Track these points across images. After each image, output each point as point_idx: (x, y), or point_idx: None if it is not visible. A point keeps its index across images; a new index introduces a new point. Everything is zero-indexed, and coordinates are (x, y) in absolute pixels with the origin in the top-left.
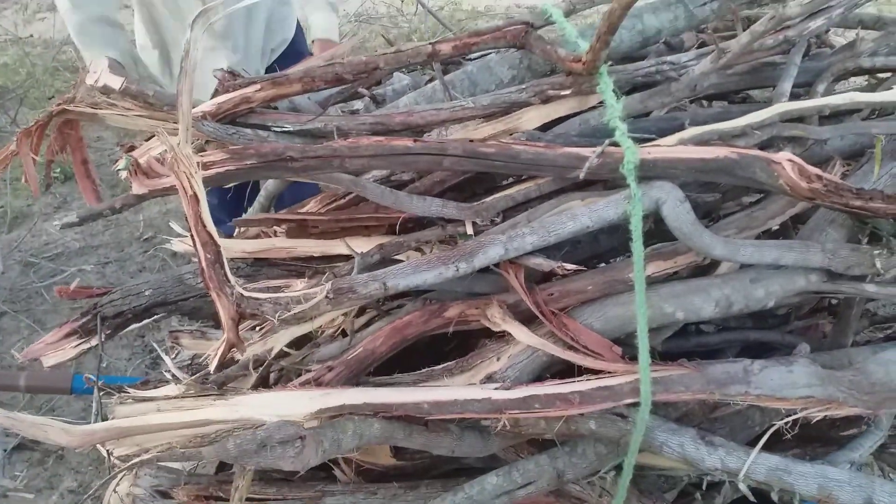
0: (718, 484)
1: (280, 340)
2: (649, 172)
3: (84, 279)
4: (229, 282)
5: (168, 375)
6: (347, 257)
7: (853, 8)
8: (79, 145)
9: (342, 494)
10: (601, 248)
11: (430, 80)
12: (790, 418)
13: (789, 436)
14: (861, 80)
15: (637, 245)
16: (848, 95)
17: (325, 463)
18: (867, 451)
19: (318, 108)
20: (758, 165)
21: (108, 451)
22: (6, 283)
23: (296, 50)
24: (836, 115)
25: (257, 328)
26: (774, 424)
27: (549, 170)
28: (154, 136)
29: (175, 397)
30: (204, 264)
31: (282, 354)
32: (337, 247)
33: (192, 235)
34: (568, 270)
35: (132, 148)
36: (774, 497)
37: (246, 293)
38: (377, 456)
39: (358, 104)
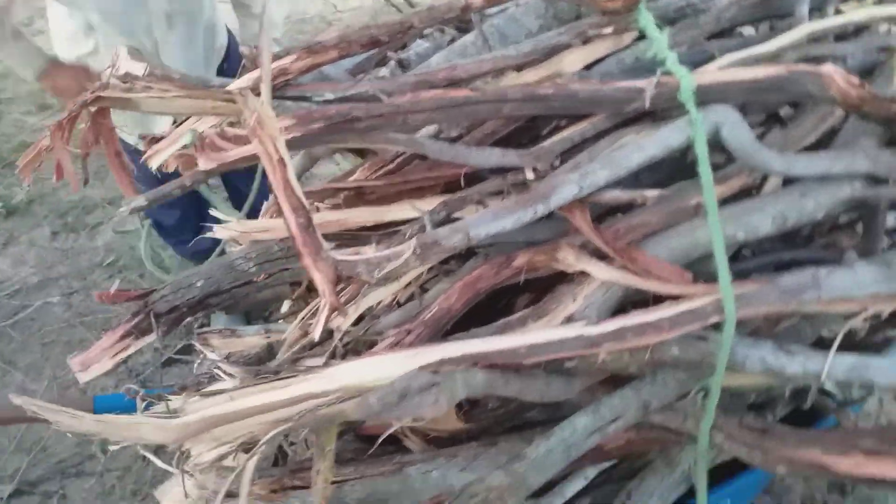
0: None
1: (368, 303)
2: (704, 98)
3: (49, 312)
4: (323, 246)
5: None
6: (400, 223)
7: None
8: (111, 136)
9: (422, 462)
10: (642, 185)
11: (451, 41)
12: (859, 317)
13: (863, 335)
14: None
15: (704, 167)
16: (865, 11)
17: (392, 436)
18: None
19: (350, 77)
20: (808, 79)
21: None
22: None
23: (236, 51)
24: (849, 34)
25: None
26: (844, 327)
27: (607, 105)
28: (182, 122)
29: (248, 385)
30: (296, 230)
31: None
32: (389, 213)
33: (278, 202)
34: (647, 198)
35: (154, 139)
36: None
37: (340, 256)
38: (444, 422)
39: (383, 72)
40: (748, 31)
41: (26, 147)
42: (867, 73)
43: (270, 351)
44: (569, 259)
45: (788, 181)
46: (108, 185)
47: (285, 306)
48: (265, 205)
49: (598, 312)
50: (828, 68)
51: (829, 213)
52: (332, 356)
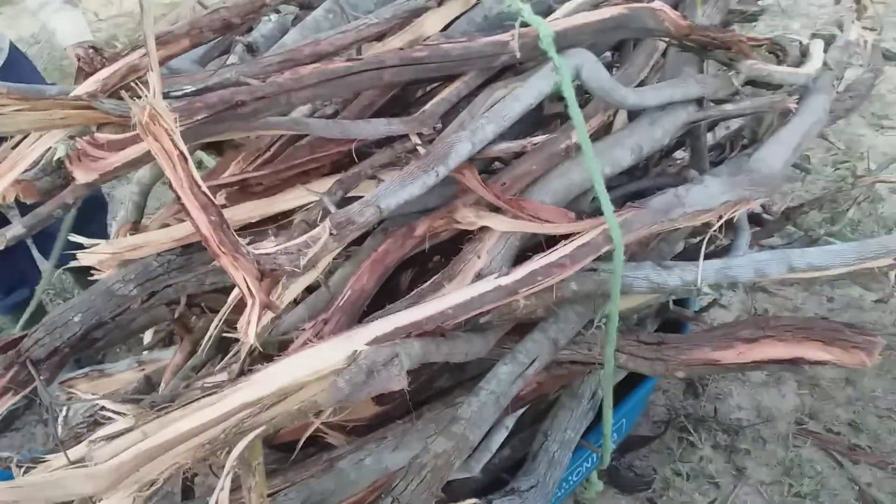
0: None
1: (290, 295)
2: (562, 43)
3: None
4: (241, 242)
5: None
6: (289, 213)
7: None
8: None
9: (351, 453)
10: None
11: (296, 20)
12: (717, 224)
13: (722, 239)
14: None
15: (574, 108)
16: None
17: (312, 437)
18: (745, 249)
19: (199, 68)
20: (647, 15)
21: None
22: None
23: (14, 62)
24: None
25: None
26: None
27: (477, 61)
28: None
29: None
30: (208, 230)
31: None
32: (276, 205)
33: (182, 202)
34: (536, 144)
35: None
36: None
37: (258, 251)
38: (360, 410)
39: (232, 59)
40: None
41: None
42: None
43: (149, 383)
44: (469, 217)
45: (634, 115)
46: None
47: (148, 336)
48: (115, 224)
49: (502, 263)
50: (658, 3)
51: (672, 138)
52: (241, 371)
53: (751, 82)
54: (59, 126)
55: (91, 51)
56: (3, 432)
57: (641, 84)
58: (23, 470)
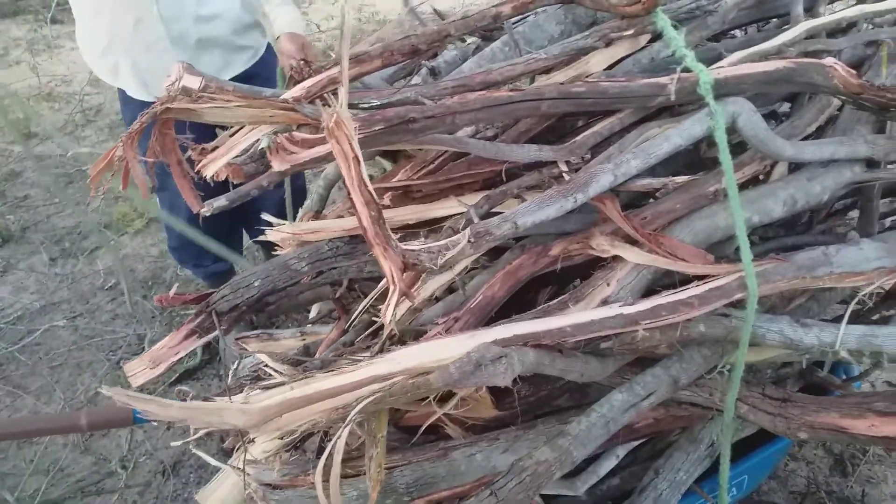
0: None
1: (428, 290)
2: (721, 91)
3: (55, 336)
4: (392, 237)
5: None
6: (439, 220)
7: None
8: (174, 147)
9: (465, 447)
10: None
11: (477, 50)
12: (868, 289)
13: (871, 304)
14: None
15: (724, 154)
16: (857, 8)
17: (432, 427)
18: None
19: (387, 85)
20: (814, 70)
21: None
22: None
23: (265, 63)
24: (839, 31)
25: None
26: (855, 298)
27: (633, 100)
28: (239, 130)
29: (305, 377)
30: (367, 223)
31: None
32: (433, 210)
33: (351, 197)
34: (678, 184)
35: (205, 150)
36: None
37: (405, 246)
38: (480, 411)
39: (416, 80)
40: (738, 32)
41: (16, 175)
42: (857, 66)
43: (307, 351)
44: (603, 245)
45: (795, 167)
46: (101, 211)
47: (314, 311)
48: (301, 210)
49: (630, 293)
50: (830, 60)
51: (833, 196)
52: (381, 349)
53: None
54: (268, 122)
55: (302, 62)
56: (185, 380)
57: (809, 138)
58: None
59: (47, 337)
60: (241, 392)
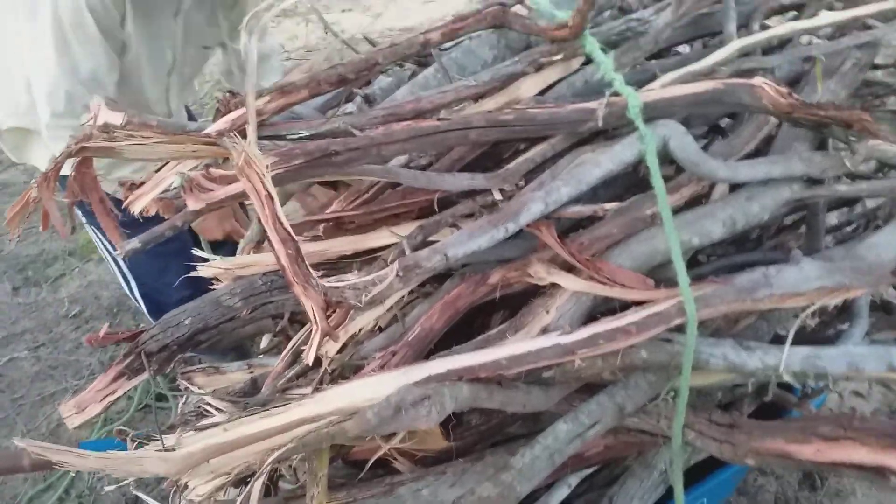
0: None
1: (355, 328)
2: (651, 114)
3: (17, 367)
4: (313, 274)
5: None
6: (378, 250)
7: None
8: (95, 185)
9: (412, 482)
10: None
11: (413, 75)
12: (809, 310)
13: (813, 326)
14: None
15: (657, 178)
16: (788, 25)
17: (381, 460)
18: (859, 338)
19: (318, 115)
20: (743, 91)
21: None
22: None
23: None
24: (774, 48)
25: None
26: (796, 322)
27: (563, 126)
28: (164, 165)
29: (240, 417)
30: (286, 261)
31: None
32: (368, 241)
33: (268, 235)
34: (607, 210)
35: (133, 185)
36: (810, 383)
37: (327, 283)
38: (430, 442)
39: (350, 107)
40: (683, 49)
41: None
42: (794, 82)
43: (255, 385)
44: (540, 273)
45: (735, 187)
46: (66, 238)
47: (265, 341)
48: (241, 243)
49: (570, 321)
50: (758, 80)
51: (773, 215)
52: (321, 383)
53: None
54: (191, 157)
55: (228, 94)
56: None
57: (749, 157)
58: (135, 445)
59: (9, 368)
60: (185, 429)
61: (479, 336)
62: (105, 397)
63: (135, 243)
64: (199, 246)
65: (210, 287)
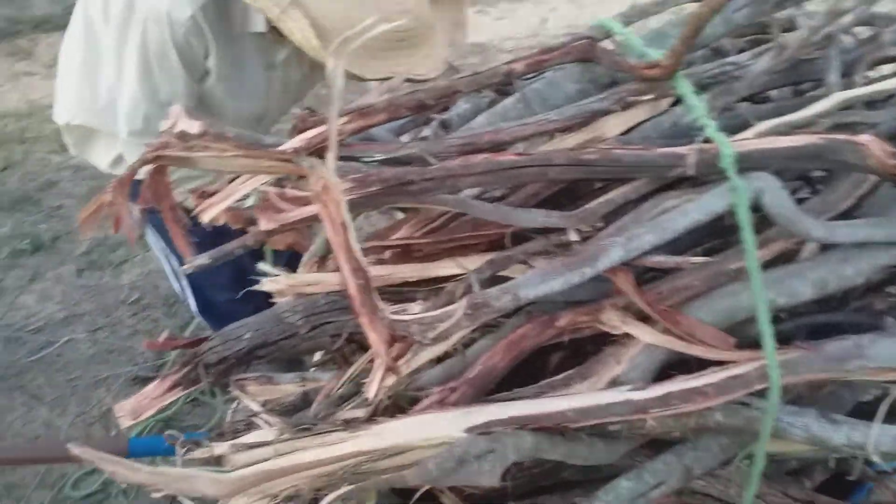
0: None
1: (419, 361)
2: (744, 164)
3: (75, 348)
4: (380, 307)
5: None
6: (442, 280)
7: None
8: (168, 192)
9: None
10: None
11: (492, 103)
12: None
13: None
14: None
15: (748, 234)
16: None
17: (428, 492)
18: None
19: (394, 138)
20: (846, 148)
21: None
22: None
23: None
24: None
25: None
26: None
27: (649, 170)
28: (236, 178)
29: (292, 438)
30: (355, 291)
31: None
32: (434, 269)
33: (339, 264)
34: (693, 264)
35: (204, 193)
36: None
37: (394, 317)
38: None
39: (426, 131)
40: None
41: (52, 185)
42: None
43: (305, 398)
44: (614, 321)
45: (826, 245)
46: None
47: (317, 355)
48: (304, 257)
49: (642, 375)
50: (865, 138)
51: (868, 279)
52: (374, 412)
53: None
54: (265, 172)
55: (306, 111)
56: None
57: (844, 215)
58: (185, 450)
59: (67, 348)
60: (234, 438)
61: (542, 381)
62: (159, 404)
63: (204, 259)
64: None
65: (253, 285)
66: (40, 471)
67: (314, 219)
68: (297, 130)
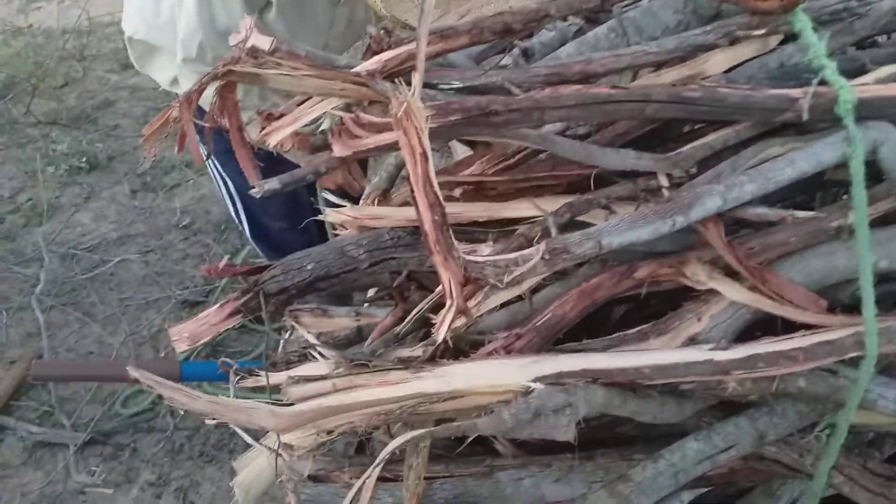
0: None
1: (489, 305)
2: (863, 112)
3: (127, 268)
4: (455, 246)
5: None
6: (514, 221)
7: None
8: (235, 110)
9: (513, 469)
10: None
11: (578, 32)
12: None
13: None
14: None
15: (859, 189)
16: None
17: (482, 437)
18: None
19: (474, 65)
20: None
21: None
22: (48, 276)
23: None
24: None
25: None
26: None
27: (755, 113)
28: (307, 100)
29: (351, 374)
30: (430, 227)
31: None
32: (505, 210)
33: (415, 196)
34: (798, 219)
35: (271, 115)
36: None
37: (468, 257)
38: None
39: (506, 59)
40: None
41: (110, 104)
42: None
43: (360, 333)
44: (699, 275)
45: None
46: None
47: (370, 291)
48: (368, 187)
49: (723, 334)
50: None
51: None
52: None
53: None
54: (337, 95)
55: (382, 32)
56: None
57: None
58: (237, 378)
59: (120, 268)
60: (287, 368)
61: (606, 334)
62: (217, 330)
63: (274, 183)
64: None
65: (308, 216)
66: (91, 387)
67: (390, 148)
68: (372, 52)
